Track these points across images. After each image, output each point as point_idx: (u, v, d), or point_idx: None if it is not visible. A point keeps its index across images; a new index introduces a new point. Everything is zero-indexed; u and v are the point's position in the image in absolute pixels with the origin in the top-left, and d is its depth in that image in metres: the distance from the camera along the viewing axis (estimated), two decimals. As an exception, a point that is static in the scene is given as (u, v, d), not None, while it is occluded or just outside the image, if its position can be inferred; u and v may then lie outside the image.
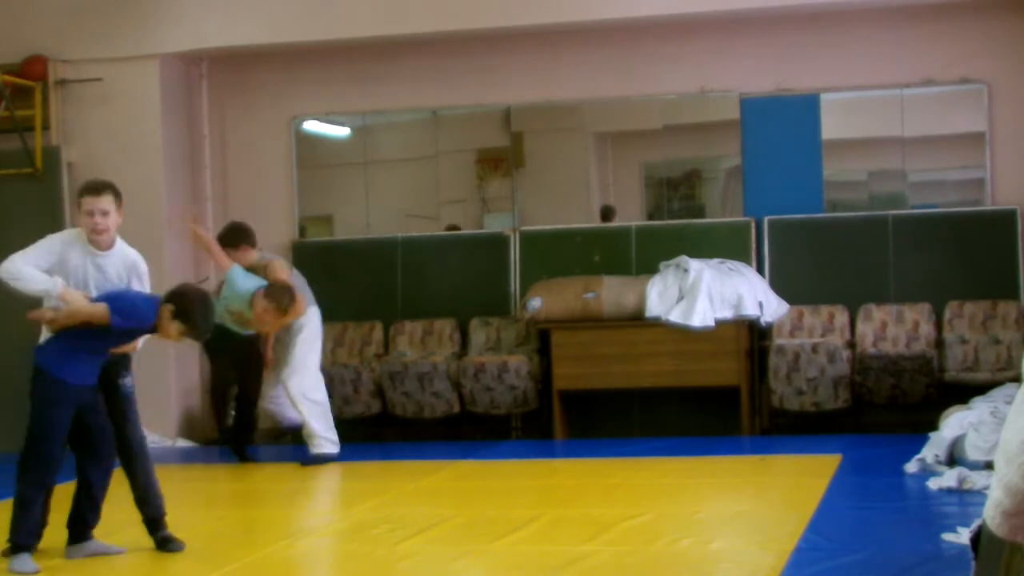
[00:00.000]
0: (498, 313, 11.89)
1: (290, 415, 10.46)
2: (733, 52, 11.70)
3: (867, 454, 9.62)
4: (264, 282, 9.62)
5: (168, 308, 6.64)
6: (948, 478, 8.08)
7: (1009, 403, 4.04)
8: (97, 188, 6.99)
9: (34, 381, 6.72)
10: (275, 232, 12.38)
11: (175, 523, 7.11)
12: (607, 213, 12.05)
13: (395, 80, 12.24)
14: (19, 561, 6.59)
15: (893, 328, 11.16)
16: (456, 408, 11.36)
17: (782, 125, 11.67)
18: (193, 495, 9.88)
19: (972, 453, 8.41)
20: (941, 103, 11.62)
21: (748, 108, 11.72)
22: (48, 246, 6.95)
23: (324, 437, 10.16)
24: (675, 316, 10.86)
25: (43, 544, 6.86)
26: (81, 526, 6.94)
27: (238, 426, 10.56)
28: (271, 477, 9.99)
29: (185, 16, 11.96)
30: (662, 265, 11.30)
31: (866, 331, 11.22)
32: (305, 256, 12.21)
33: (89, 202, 6.93)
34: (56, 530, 6.97)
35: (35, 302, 7.08)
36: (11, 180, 11.91)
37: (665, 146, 12.10)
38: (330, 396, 10.50)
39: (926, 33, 11.42)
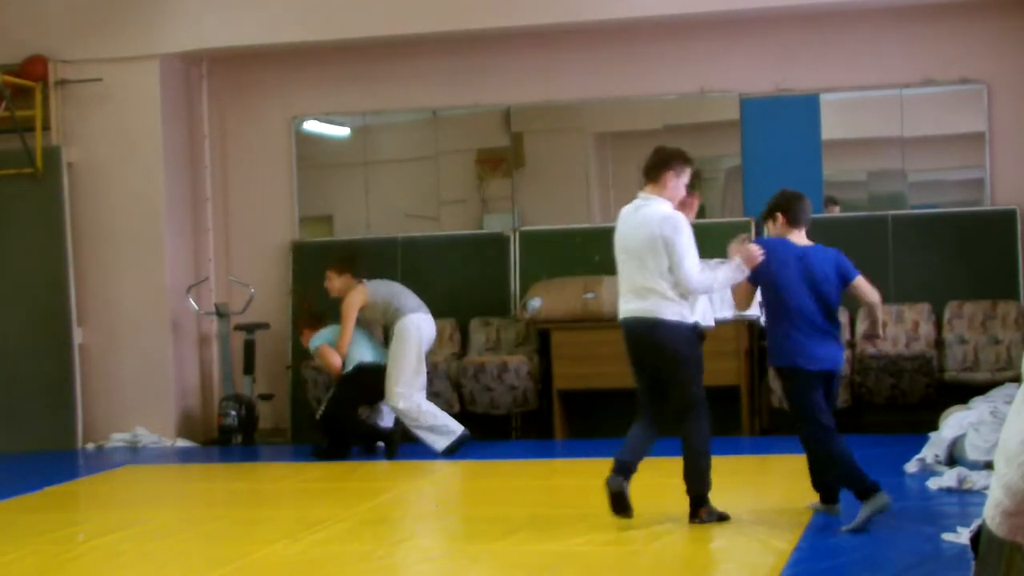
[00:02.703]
0: (498, 313, 11.88)
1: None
2: (733, 52, 11.70)
3: (867, 454, 9.58)
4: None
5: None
6: (948, 478, 8.08)
7: (1009, 403, 4.04)
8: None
9: None
10: (275, 232, 12.40)
11: (174, 523, 7.13)
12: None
13: (395, 80, 12.24)
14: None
15: (893, 328, 11.15)
16: (456, 408, 11.34)
17: (782, 125, 11.66)
18: (193, 495, 9.89)
19: (972, 453, 8.41)
20: (941, 103, 11.62)
21: (748, 108, 11.72)
22: (692, 236, 7.18)
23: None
24: (675, 316, 10.84)
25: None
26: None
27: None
28: (271, 477, 9.99)
29: (185, 16, 11.95)
30: (662, 265, 11.27)
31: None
32: (305, 256, 12.22)
33: (689, 173, 7.16)
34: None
35: None
36: (11, 180, 11.91)
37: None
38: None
39: (926, 33, 11.41)
